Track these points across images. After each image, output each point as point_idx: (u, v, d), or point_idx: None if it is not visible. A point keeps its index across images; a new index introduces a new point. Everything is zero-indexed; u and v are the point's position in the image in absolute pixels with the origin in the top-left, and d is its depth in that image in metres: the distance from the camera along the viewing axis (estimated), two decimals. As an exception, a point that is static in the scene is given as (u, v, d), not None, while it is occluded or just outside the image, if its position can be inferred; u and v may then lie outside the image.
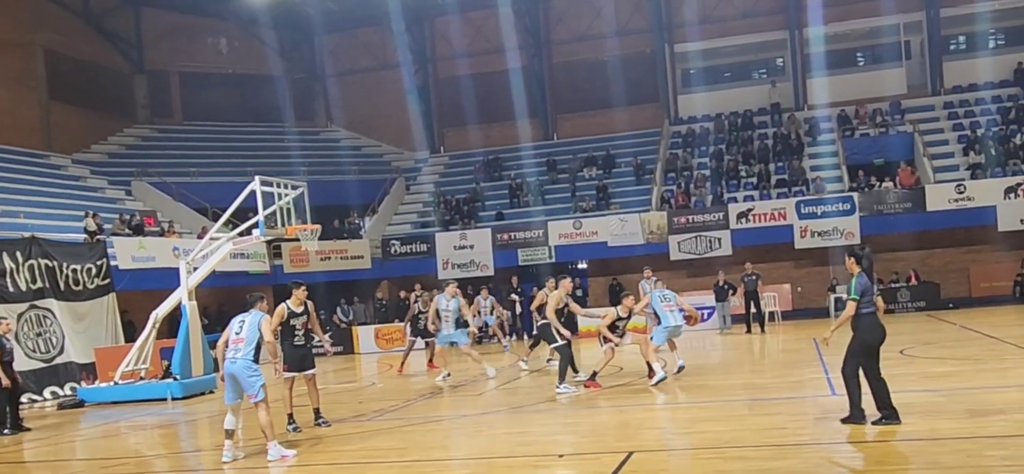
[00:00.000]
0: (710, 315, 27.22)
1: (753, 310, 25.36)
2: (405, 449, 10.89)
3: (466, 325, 17.61)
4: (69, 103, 33.68)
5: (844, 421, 9.55)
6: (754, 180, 32.59)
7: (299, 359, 12.36)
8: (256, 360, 10.50)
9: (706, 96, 37.72)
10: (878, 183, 30.79)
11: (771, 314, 27.70)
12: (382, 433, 11.89)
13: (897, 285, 29.62)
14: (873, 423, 9.45)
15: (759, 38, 37.06)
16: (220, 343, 10.80)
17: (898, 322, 25.30)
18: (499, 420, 12.50)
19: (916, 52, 36.47)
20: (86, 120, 34.55)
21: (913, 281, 29.74)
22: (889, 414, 9.47)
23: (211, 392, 18.64)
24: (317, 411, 12.65)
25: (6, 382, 14.52)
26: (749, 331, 24.87)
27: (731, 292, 26.35)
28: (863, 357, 9.53)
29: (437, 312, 17.17)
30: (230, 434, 10.52)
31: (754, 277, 25.24)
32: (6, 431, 14.49)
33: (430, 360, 20.07)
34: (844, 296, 9.83)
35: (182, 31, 38.03)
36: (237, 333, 10.60)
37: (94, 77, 35.14)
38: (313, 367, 12.60)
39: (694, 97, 38.06)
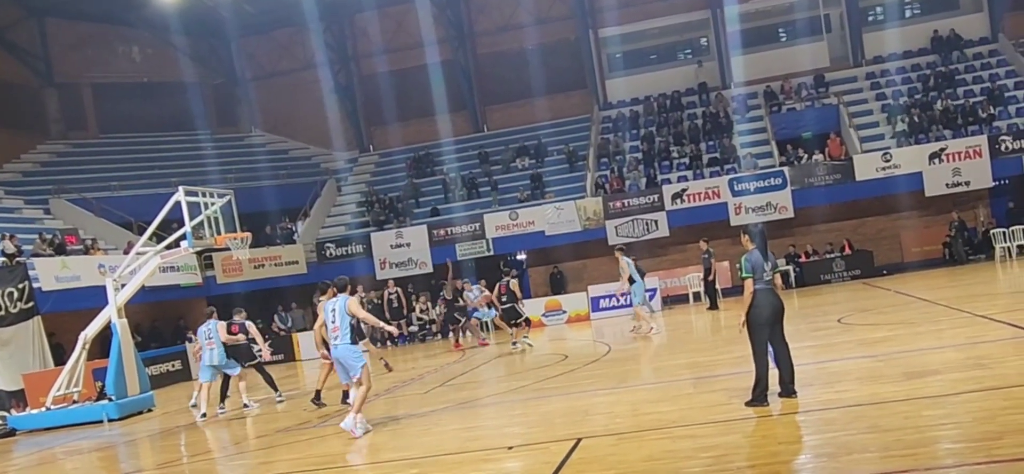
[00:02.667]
0: (652, 297, 27.62)
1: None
2: (354, 451, 10.92)
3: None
4: (-23, 122, 32.71)
5: (748, 403, 9.73)
6: (686, 160, 33.17)
7: None
8: (354, 342, 11.51)
9: (633, 79, 38.22)
10: (807, 156, 31.59)
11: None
12: (329, 438, 11.89)
13: (832, 255, 30.45)
14: (779, 395, 9.78)
15: (681, 19, 37.65)
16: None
17: (834, 292, 26.08)
18: (447, 417, 12.60)
19: (836, 25, 37.44)
20: (-4, 138, 33.58)
21: (847, 250, 30.61)
22: (788, 391, 9.78)
23: (149, 410, 18.37)
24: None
25: None
26: (713, 307, 25.49)
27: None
28: (762, 332, 9.70)
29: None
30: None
31: (708, 255, 25.84)
32: None
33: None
34: (739, 274, 10.01)
35: (92, 41, 37.15)
36: (333, 322, 11.45)
37: (2, 93, 34.15)
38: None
39: (621, 81, 38.53)
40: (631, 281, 20.41)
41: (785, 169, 30.50)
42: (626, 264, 20.41)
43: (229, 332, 16.50)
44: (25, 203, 31.20)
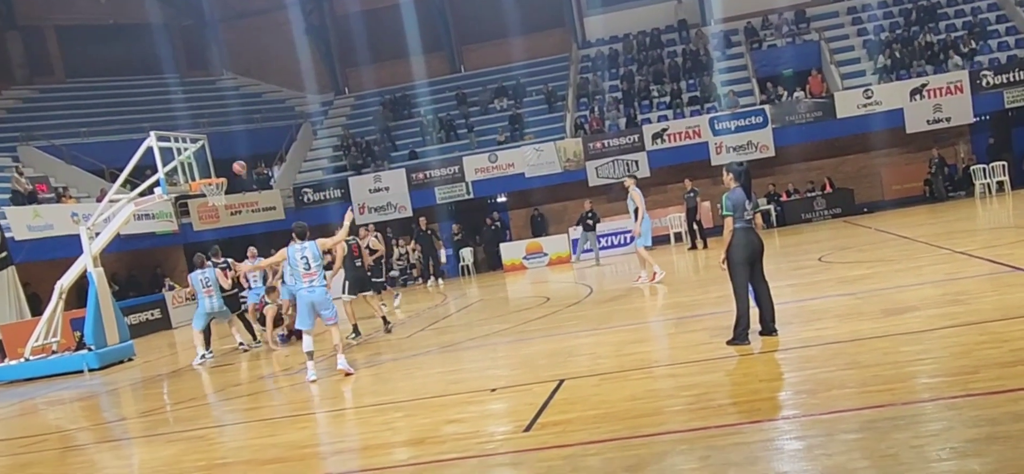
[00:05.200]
0: (632, 239, 27.88)
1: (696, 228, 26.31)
2: (336, 397, 11.09)
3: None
4: (-63, 68, 32.23)
5: (729, 342, 9.90)
6: (666, 100, 33.23)
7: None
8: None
9: (612, 17, 38.06)
10: (788, 94, 31.72)
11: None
12: (309, 384, 12.04)
13: (813, 194, 30.74)
14: (760, 333, 9.99)
15: (662, -47, 37.41)
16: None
17: (815, 231, 26.39)
18: (430, 360, 12.78)
19: (818, -43, 37.32)
20: (-43, 85, 33.13)
21: (828, 189, 30.90)
22: (768, 329, 9.99)
23: (130, 360, 18.45)
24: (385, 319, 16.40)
25: None
26: (694, 247, 25.73)
27: (594, 222, 27.10)
28: (742, 271, 9.83)
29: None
30: (311, 355, 12.02)
31: (693, 194, 26.04)
32: None
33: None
34: (720, 213, 10.13)
35: (55, -19, 36.54)
36: (307, 268, 11.80)
37: (-38, 38, 33.63)
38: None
39: (600, 19, 38.37)
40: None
41: (766, 108, 30.63)
42: (638, 196, 18.07)
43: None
44: (-8, 151, 30.88)
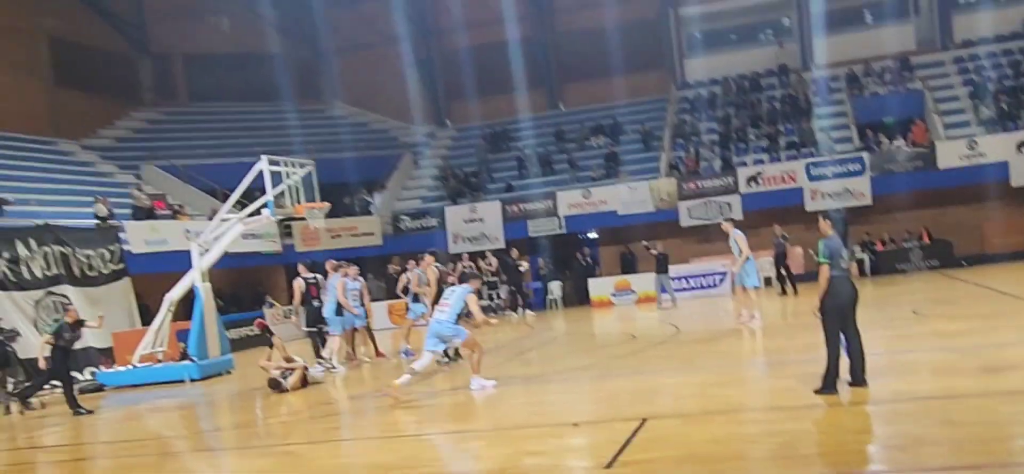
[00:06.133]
0: (722, 280, 27.36)
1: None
2: (421, 422, 11.06)
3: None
4: (75, 88, 33.83)
5: (817, 391, 9.47)
6: (763, 143, 32.58)
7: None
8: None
9: (712, 60, 37.65)
10: (888, 142, 30.72)
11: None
12: (395, 409, 12.04)
13: (909, 244, 29.63)
14: (850, 384, 9.55)
15: (764, -2, 36.91)
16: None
17: (910, 282, 25.39)
18: (514, 391, 12.66)
19: (924, 7, 36.31)
20: (92, 105, 34.65)
21: (925, 240, 29.74)
22: (859, 380, 9.54)
23: (228, 373, 18.84)
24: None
25: (42, 365, 14.86)
26: (783, 293, 24.95)
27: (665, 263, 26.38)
28: (835, 320, 9.51)
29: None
30: (418, 373, 12.70)
31: (782, 239, 25.33)
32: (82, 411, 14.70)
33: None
34: (815, 260, 9.78)
35: (184, 12, 38.04)
36: (446, 299, 12.75)
37: (99, 62, 35.25)
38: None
39: (700, 61, 38.00)
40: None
41: (864, 155, 29.72)
42: (740, 237, 17.75)
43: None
44: (118, 168, 32.20)
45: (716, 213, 29.50)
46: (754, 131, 33.44)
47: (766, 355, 13.63)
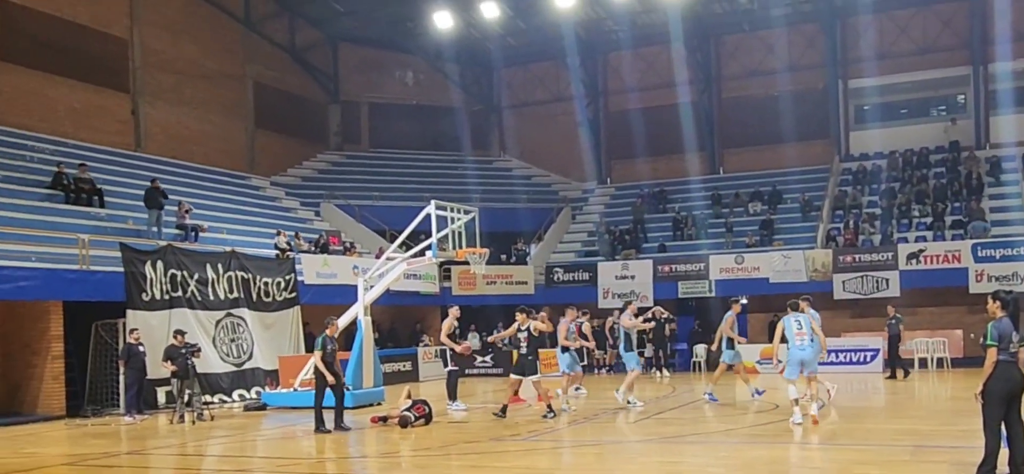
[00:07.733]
0: (874, 357, 25.84)
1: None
2: (556, 470, 10.86)
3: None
4: (271, 130, 35.93)
5: None
6: (928, 220, 30.66)
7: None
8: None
9: (879, 133, 35.80)
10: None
11: (940, 360, 25.95)
12: (535, 453, 11.91)
13: (1086, 336, 27.02)
14: None
15: (939, 74, 34.82)
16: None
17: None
18: (651, 448, 12.27)
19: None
20: (285, 146, 36.69)
21: (1105, 332, 27.04)
22: (1018, 472, 8.67)
23: (379, 404, 19.18)
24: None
25: (330, 379, 15.29)
26: (893, 376, 23.32)
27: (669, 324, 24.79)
28: (998, 407, 8.69)
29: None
30: (796, 401, 13.73)
31: (895, 320, 23.71)
32: (328, 428, 14.98)
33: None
34: (982, 342, 8.93)
35: (374, 65, 40.00)
36: (799, 328, 13.85)
37: (295, 107, 37.35)
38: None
39: (867, 134, 36.23)
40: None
41: (1038, 237, 27.42)
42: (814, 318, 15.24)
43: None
44: (300, 204, 33.86)
45: (872, 288, 27.94)
46: (919, 207, 31.54)
47: (916, 437, 12.66)
